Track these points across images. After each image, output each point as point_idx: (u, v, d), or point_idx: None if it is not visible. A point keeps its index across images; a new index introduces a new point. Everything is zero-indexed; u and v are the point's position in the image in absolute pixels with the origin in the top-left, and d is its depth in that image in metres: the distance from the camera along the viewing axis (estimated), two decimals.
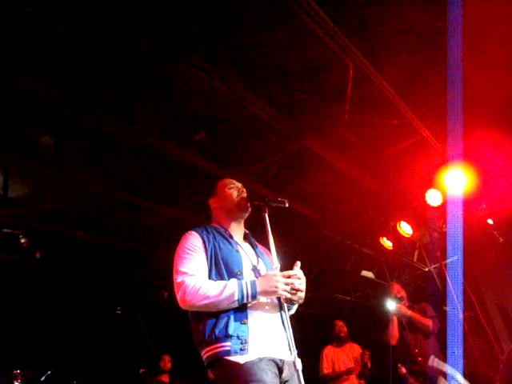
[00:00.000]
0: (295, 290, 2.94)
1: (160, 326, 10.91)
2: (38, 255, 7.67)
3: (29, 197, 6.85)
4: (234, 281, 2.91)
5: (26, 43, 4.47)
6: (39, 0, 4.09)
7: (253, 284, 2.89)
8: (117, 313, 10.70)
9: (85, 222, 7.64)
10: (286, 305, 2.94)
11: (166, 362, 9.01)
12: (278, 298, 2.97)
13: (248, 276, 3.02)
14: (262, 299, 2.94)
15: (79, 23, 4.38)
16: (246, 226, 3.45)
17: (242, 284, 2.88)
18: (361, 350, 8.24)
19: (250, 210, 3.30)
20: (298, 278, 2.98)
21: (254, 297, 2.87)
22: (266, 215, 3.14)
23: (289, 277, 2.93)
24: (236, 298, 2.84)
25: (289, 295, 2.92)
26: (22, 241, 7.26)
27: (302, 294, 3.03)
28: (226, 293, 2.84)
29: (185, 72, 5.00)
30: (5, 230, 7.12)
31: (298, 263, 3.02)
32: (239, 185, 3.42)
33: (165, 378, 8.86)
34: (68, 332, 9.75)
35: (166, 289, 9.54)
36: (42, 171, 6.15)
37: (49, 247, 8.00)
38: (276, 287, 2.87)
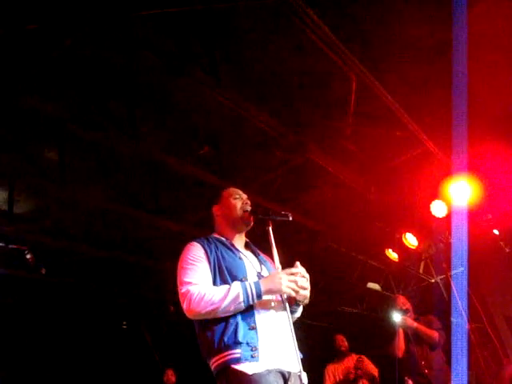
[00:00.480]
0: (299, 288, 2.95)
1: (166, 341, 10.88)
2: (43, 271, 7.67)
3: (34, 212, 6.86)
4: (237, 283, 2.91)
5: (31, 59, 4.50)
6: (43, 18, 4.11)
7: (256, 284, 2.90)
8: (123, 327, 10.68)
9: (90, 237, 7.66)
10: (288, 306, 2.94)
11: (170, 376, 8.99)
12: (282, 299, 2.96)
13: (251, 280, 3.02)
14: (268, 298, 2.95)
15: (82, 39, 4.40)
16: (250, 240, 3.45)
17: (246, 285, 2.89)
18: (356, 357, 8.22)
19: (252, 223, 3.30)
20: (302, 276, 2.99)
21: (259, 296, 2.87)
22: (270, 229, 3.13)
23: (292, 274, 2.95)
24: (241, 299, 2.83)
25: (293, 293, 2.92)
26: (28, 256, 7.25)
27: (307, 293, 3.04)
28: (231, 295, 2.83)
29: (188, 86, 5.02)
30: (10, 246, 7.12)
31: (298, 263, 3.03)
32: (244, 196, 3.40)
33: None
34: (74, 347, 9.73)
35: (171, 303, 9.51)
36: (47, 186, 6.17)
37: (54, 262, 8.01)
38: (280, 283, 2.88)
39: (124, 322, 10.65)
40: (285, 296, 2.95)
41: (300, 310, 3.23)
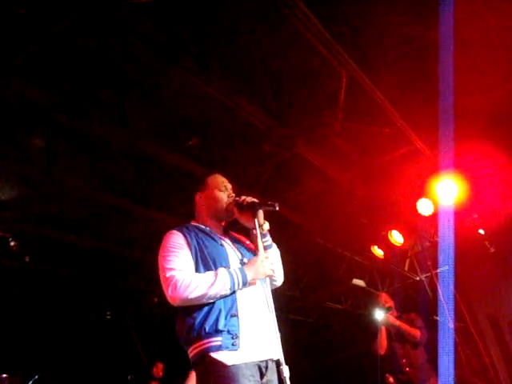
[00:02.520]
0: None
1: (150, 332, 10.86)
2: (27, 259, 7.63)
3: (19, 200, 6.81)
4: (223, 270, 2.94)
5: (19, 46, 4.46)
6: (31, 3, 4.07)
7: (242, 271, 2.96)
8: (106, 318, 10.65)
9: (75, 227, 7.61)
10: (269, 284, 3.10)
11: (159, 370, 9.00)
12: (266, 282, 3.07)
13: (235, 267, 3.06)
14: (251, 286, 3.01)
15: (72, 26, 4.36)
16: (236, 229, 3.46)
17: (232, 272, 2.93)
18: None
19: (234, 217, 3.30)
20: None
21: (244, 283, 2.94)
22: (256, 220, 3.12)
23: (266, 257, 3.07)
24: (228, 286, 2.88)
25: (272, 272, 3.09)
26: (12, 244, 7.22)
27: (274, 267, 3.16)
28: (219, 282, 2.86)
29: (177, 77, 4.99)
30: None
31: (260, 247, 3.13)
32: (229, 186, 3.39)
33: None
34: (57, 336, 9.69)
35: (156, 294, 9.49)
36: (34, 174, 6.13)
37: (39, 251, 7.97)
38: (264, 267, 3.01)
39: (108, 313, 10.61)
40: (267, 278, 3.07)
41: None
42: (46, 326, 9.61)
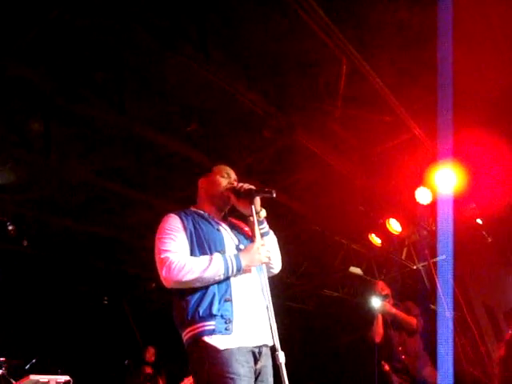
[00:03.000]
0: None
1: (147, 317, 10.90)
2: (25, 243, 7.64)
3: (17, 184, 6.80)
4: (218, 255, 2.96)
5: (17, 30, 4.43)
6: None
7: (237, 257, 2.98)
8: (104, 303, 10.68)
9: (73, 211, 7.61)
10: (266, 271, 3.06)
11: (151, 355, 9.05)
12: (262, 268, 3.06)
13: (231, 253, 3.07)
14: (246, 273, 3.04)
15: (71, 10, 4.34)
16: (234, 214, 3.46)
17: (227, 258, 2.95)
18: None
19: (231, 204, 3.32)
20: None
21: (238, 270, 2.96)
22: (253, 207, 3.12)
23: (262, 245, 3.08)
24: (222, 271, 2.90)
25: (268, 259, 3.08)
26: (10, 228, 7.22)
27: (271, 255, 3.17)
28: (213, 267, 2.88)
29: (177, 62, 4.97)
30: None
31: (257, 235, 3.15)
32: (233, 176, 3.41)
33: (149, 370, 8.89)
34: (54, 321, 9.72)
35: (153, 280, 9.51)
36: (31, 158, 6.11)
37: (36, 235, 7.97)
38: (259, 254, 3.01)
39: (105, 298, 10.63)
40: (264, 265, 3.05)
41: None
42: (43, 310, 9.64)
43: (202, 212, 3.29)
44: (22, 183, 6.80)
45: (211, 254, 2.98)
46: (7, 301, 9.09)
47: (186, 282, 2.87)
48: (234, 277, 2.97)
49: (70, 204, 7.45)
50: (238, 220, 3.48)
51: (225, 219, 3.40)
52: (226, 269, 2.90)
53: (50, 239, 8.32)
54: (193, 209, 3.35)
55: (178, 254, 2.93)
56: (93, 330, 10.22)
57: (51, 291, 9.61)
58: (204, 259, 2.92)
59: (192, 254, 3.01)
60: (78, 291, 9.98)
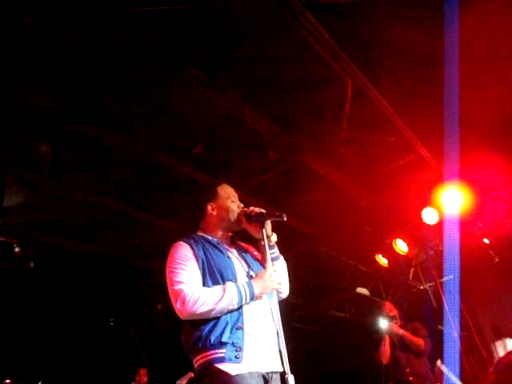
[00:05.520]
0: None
1: (153, 339, 10.84)
2: (31, 265, 7.63)
3: (24, 206, 6.81)
4: (231, 285, 2.94)
5: (25, 53, 4.47)
6: (39, 10, 4.08)
7: (250, 285, 2.97)
8: (110, 324, 10.63)
9: (80, 233, 7.60)
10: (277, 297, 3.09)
11: (142, 376, 9.00)
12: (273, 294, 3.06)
13: (243, 281, 3.05)
14: (257, 299, 3.02)
15: (79, 34, 4.38)
16: (244, 239, 3.45)
17: (240, 287, 2.94)
18: None
19: (242, 227, 3.30)
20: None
21: (252, 298, 2.96)
22: (264, 230, 3.12)
23: (274, 271, 3.07)
24: (236, 301, 2.89)
25: (280, 286, 3.11)
26: (16, 250, 7.22)
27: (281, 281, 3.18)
28: (226, 298, 2.87)
29: (183, 85, 5.00)
30: None
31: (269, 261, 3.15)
32: (236, 196, 3.40)
33: None
34: (60, 342, 9.69)
35: (160, 301, 9.48)
36: (39, 180, 6.13)
37: (43, 257, 7.96)
38: (272, 282, 3.02)
39: (111, 319, 10.60)
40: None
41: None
42: (49, 331, 9.61)
43: (210, 238, 3.26)
44: (30, 205, 6.82)
45: (223, 282, 2.97)
46: (14, 322, 9.09)
47: (201, 314, 2.86)
48: (246, 304, 2.96)
49: (76, 225, 7.45)
50: (246, 243, 3.47)
51: (233, 243, 3.39)
52: (240, 298, 2.89)
53: (56, 261, 8.30)
54: (200, 234, 3.32)
55: (191, 286, 2.91)
56: (99, 352, 10.18)
57: (57, 313, 9.58)
58: (217, 290, 2.90)
59: (204, 283, 2.99)
60: (84, 313, 9.95)
